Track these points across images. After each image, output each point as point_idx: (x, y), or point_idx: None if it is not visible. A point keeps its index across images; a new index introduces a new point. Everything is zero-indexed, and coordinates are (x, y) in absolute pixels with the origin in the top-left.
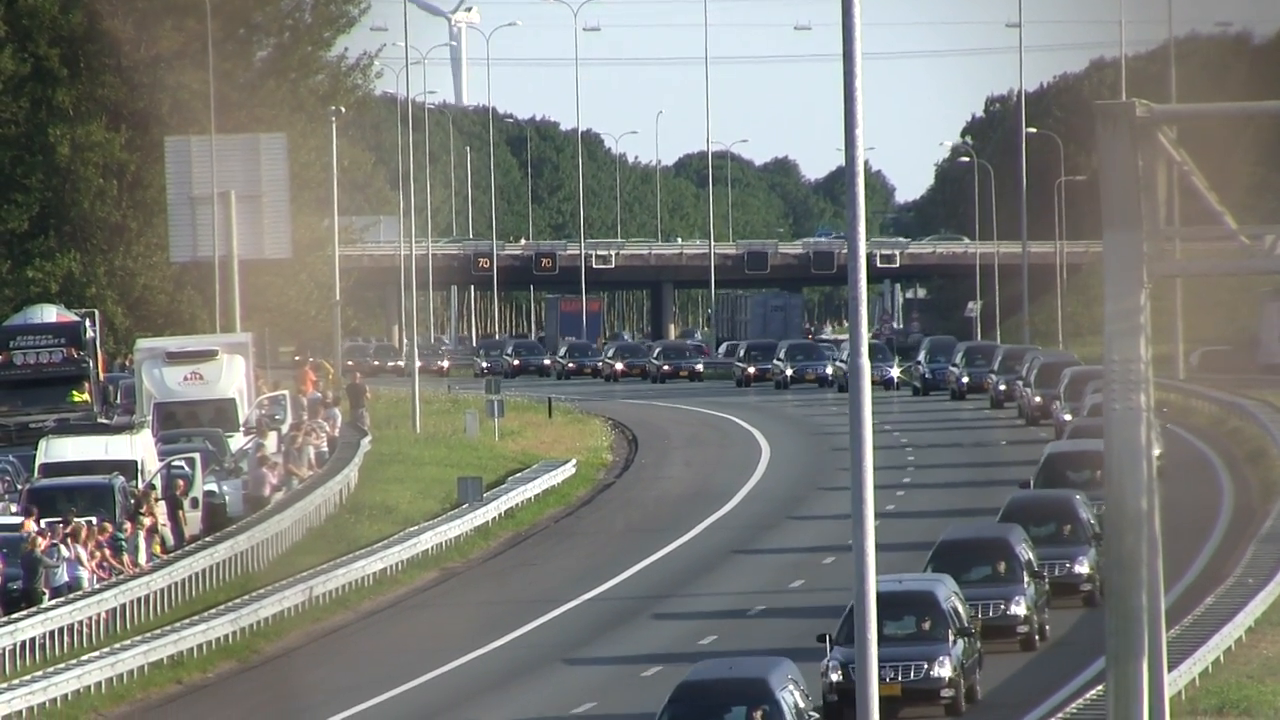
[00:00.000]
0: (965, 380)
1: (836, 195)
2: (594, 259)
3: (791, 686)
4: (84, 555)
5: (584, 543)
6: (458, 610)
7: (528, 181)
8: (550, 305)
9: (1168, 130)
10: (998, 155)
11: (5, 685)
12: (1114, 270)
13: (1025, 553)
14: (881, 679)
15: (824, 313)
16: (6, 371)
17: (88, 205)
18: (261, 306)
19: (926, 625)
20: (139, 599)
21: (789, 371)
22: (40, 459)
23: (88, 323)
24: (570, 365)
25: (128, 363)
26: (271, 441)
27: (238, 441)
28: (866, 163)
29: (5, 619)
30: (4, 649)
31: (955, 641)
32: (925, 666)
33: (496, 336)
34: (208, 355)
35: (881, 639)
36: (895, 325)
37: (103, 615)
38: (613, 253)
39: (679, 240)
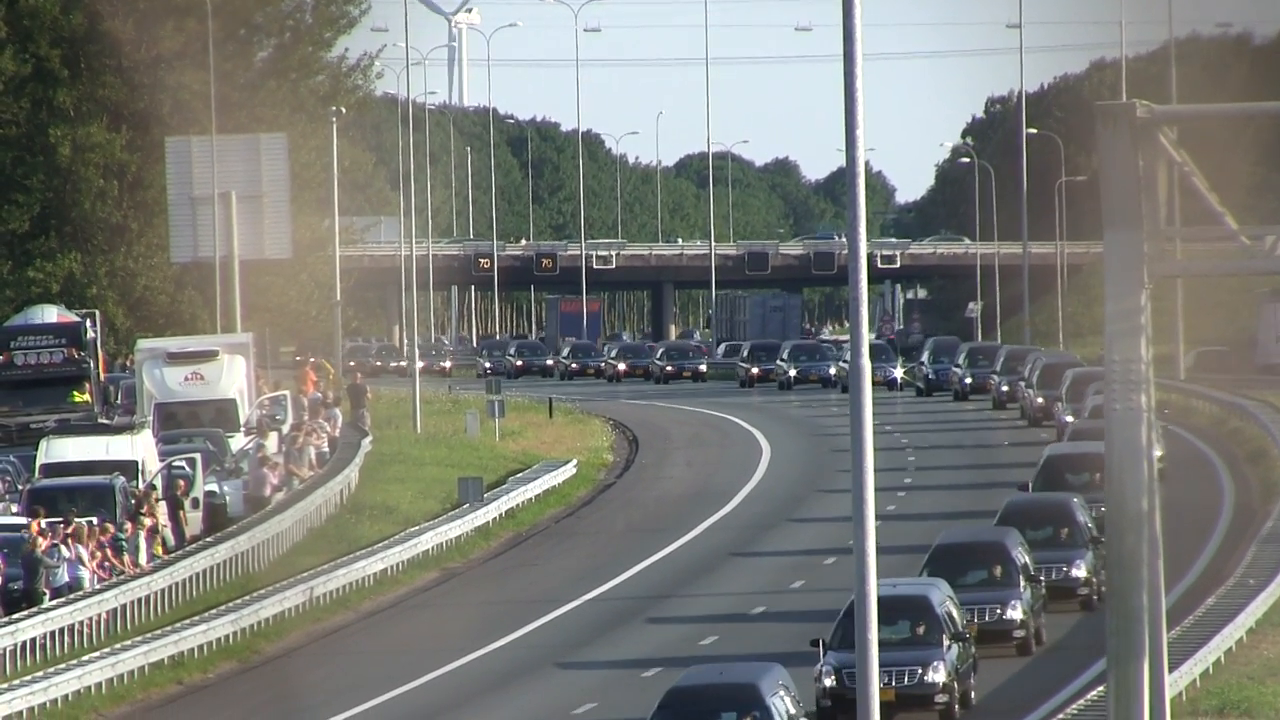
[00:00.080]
0: (968, 381)
1: (837, 196)
2: (594, 259)
3: (782, 692)
4: (85, 555)
5: (584, 543)
6: (458, 610)
7: (528, 182)
8: (550, 306)
9: (1168, 131)
10: (998, 156)
11: (6, 685)
12: (1114, 270)
13: (1021, 556)
14: None
15: (824, 313)
16: (7, 372)
17: (88, 206)
18: (262, 307)
19: (921, 630)
20: (139, 599)
21: (792, 372)
22: (41, 459)
23: (88, 323)
24: (574, 366)
25: (128, 363)
26: (272, 442)
27: (238, 442)
28: (867, 163)
29: (6, 619)
30: (4, 649)
31: (949, 646)
32: (919, 671)
33: (497, 337)
34: (208, 356)
35: None
36: (897, 326)
37: (103, 615)
38: (613, 253)
39: (679, 241)
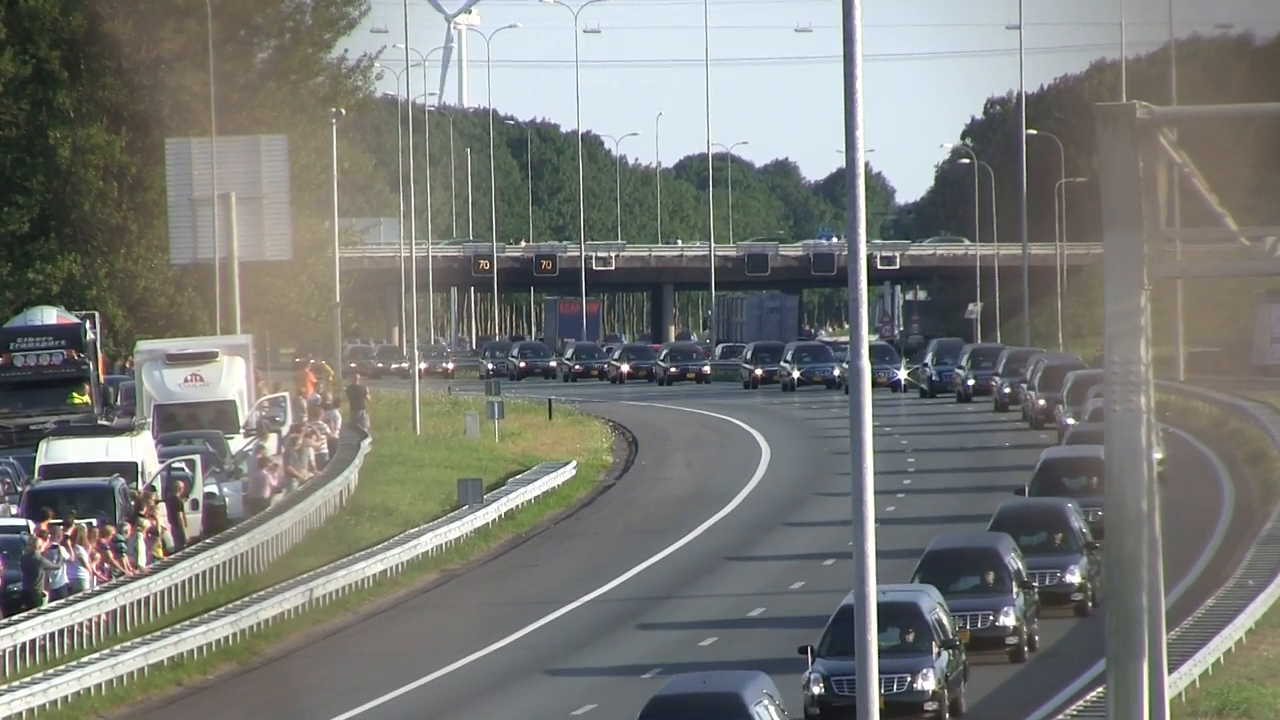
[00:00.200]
0: (971, 383)
1: (837, 197)
2: (594, 261)
3: (766, 701)
4: (85, 556)
5: (584, 544)
6: (458, 612)
7: (528, 183)
8: (549, 307)
9: (1168, 132)
10: (998, 157)
11: (5, 687)
12: (1114, 272)
13: (1014, 562)
14: None
15: (824, 314)
16: (7, 373)
17: (88, 207)
18: (262, 308)
19: (910, 637)
20: (139, 601)
21: (796, 374)
22: (40, 461)
23: (88, 325)
24: (577, 367)
25: (128, 365)
26: (272, 443)
27: (238, 443)
28: (867, 164)
29: (5, 621)
30: (4, 651)
31: (939, 654)
32: (908, 679)
33: (496, 338)
34: (208, 357)
35: None
36: (897, 327)
37: (103, 617)
38: (613, 255)
39: (679, 242)
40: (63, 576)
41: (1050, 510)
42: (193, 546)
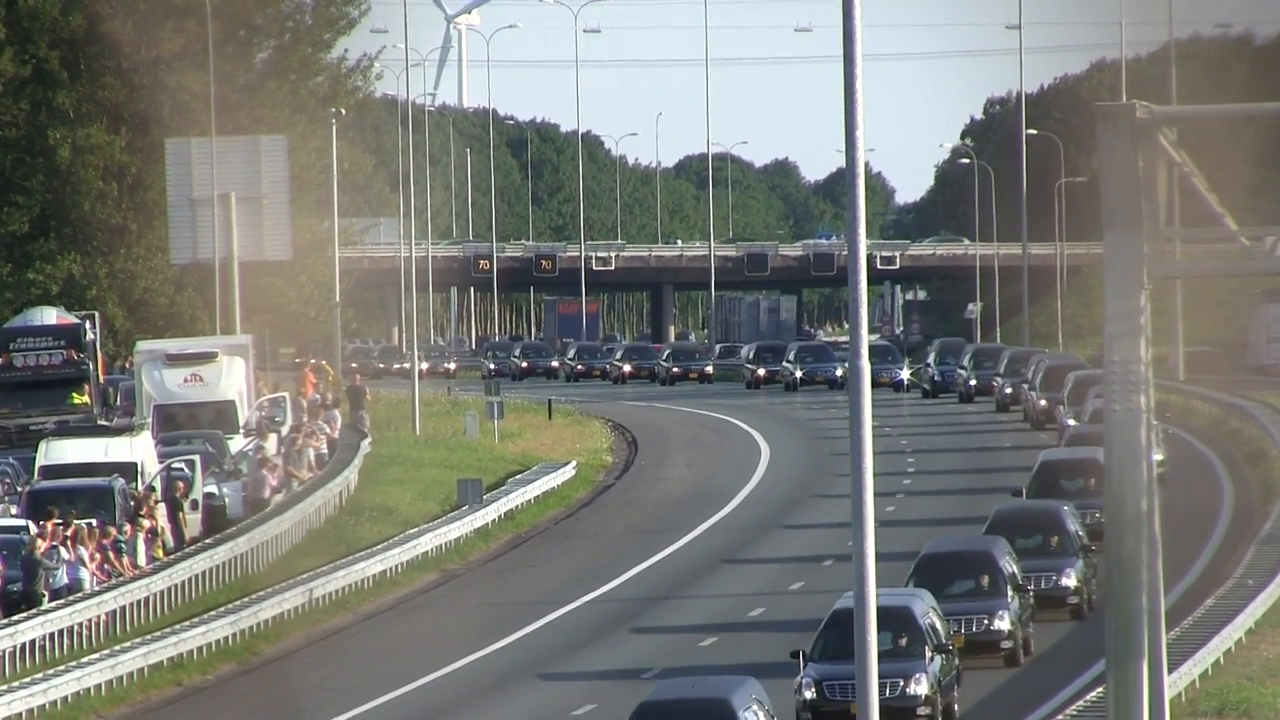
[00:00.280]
0: (973, 383)
1: (837, 197)
2: (594, 261)
3: (755, 707)
4: (85, 556)
5: (584, 544)
6: (458, 612)
7: (528, 183)
8: (549, 307)
9: (1168, 131)
10: (998, 157)
11: (5, 687)
12: (1114, 271)
13: (1009, 566)
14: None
15: (824, 314)
16: (7, 374)
17: (88, 207)
18: (261, 308)
19: (903, 642)
20: (139, 601)
21: (798, 374)
22: (40, 461)
23: (88, 325)
24: (579, 367)
25: (128, 365)
26: (271, 443)
27: (237, 443)
28: (866, 164)
29: (5, 621)
30: (4, 651)
31: (932, 658)
32: (901, 684)
33: (496, 338)
34: (208, 357)
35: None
36: (897, 327)
37: (103, 617)
38: (613, 254)
39: (679, 242)
40: (62, 577)
41: (1046, 513)
42: (192, 547)
